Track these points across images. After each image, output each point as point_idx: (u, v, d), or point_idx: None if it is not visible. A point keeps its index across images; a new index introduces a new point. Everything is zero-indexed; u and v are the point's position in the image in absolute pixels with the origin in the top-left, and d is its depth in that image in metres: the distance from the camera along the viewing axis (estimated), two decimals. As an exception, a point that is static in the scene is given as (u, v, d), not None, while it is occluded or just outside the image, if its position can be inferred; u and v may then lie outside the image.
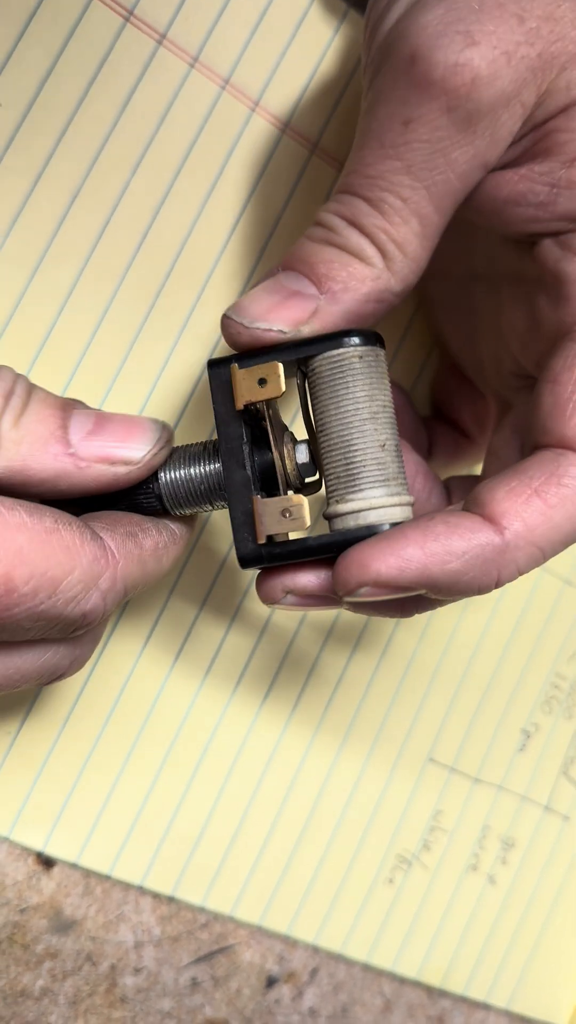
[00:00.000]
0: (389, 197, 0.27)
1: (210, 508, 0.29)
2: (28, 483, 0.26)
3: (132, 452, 0.27)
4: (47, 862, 0.36)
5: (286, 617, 0.39)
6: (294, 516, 0.27)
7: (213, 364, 0.28)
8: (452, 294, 0.31)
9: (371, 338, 0.28)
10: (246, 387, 0.27)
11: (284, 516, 0.27)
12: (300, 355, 0.28)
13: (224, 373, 0.28)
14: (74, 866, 0.36)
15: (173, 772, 0.37)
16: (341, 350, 0.27)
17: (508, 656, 0.43)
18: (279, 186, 0.37)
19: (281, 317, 0.27)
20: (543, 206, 0.28)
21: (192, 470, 0.29)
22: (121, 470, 0.27)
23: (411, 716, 0.41)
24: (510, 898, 0.43)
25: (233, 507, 0.28)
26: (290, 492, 0.29)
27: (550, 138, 0.28)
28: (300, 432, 0.30)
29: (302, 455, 0.29)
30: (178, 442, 0.30)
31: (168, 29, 0.35)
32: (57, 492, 0.27)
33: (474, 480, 0.35)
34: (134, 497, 0.29)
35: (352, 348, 0.27)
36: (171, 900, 0.38)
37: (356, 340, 0.27)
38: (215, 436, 0.29)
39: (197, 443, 0.29)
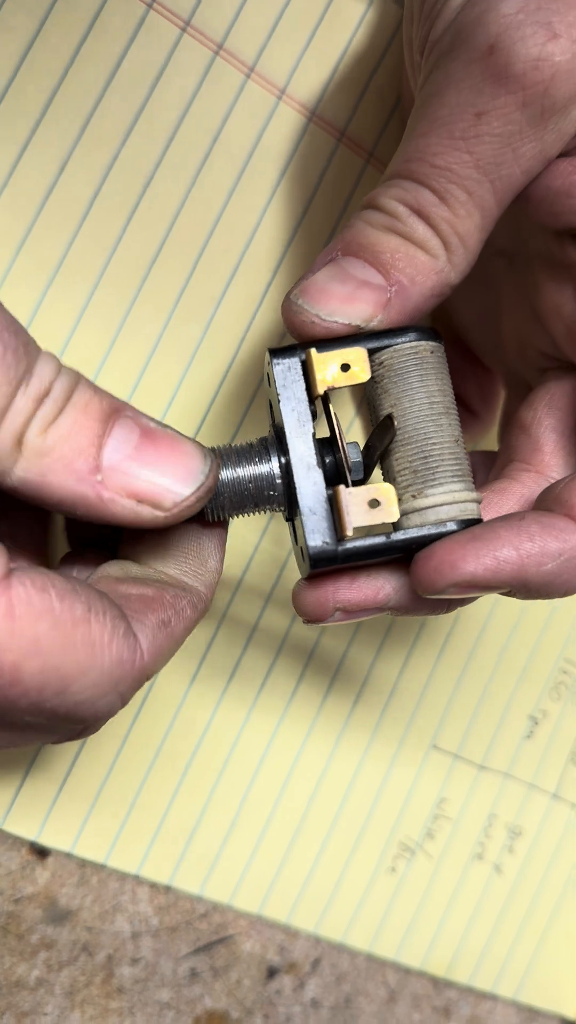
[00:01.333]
0: (455, 189, 0.27)
1: (254, 512, 0.28)
2: (45, 500, 0.24)
3: (164, 498, 0.24)
4: (41, 852, 0.35)
5: (283, 603, 0.38)
6: (383, 506, 0.26)
7: (276, 353, 0.27)
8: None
9: (438, 335, 0.27)
10: (327, 371, 0.26)
11: (371, 507, 0.26)
12: (368, 346, 0.27)
13: (291, 360, 0.27)
14: (68, 856, 0.36)
15: (169, 758, 0.36)
16: (415, 343, 0.27)
17: (515, 640, 0.42)
18: (307, 176, 0.36)
19: (356, 310, 0.27)
20: None
21: (240, 470, 0.27)
22: (146, 513, 0.24)
23: (414, 701, 0.40)
24: (517, 887, 0.42)
25: (305, 501, 0.26)
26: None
27: None
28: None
29: (354, 454, 0.27)
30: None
31: (192, 16, 0.34)
32: (74, 516, 0.24)
33: (491, 456, 0.33)
34: None
35: (425, 342, 0.27)
36: (168, 890, 0.37)
37: (428, 334, 0.27)
38: (256, 437, 0.28)
39: (243, 442, 0.28)
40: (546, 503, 0.27)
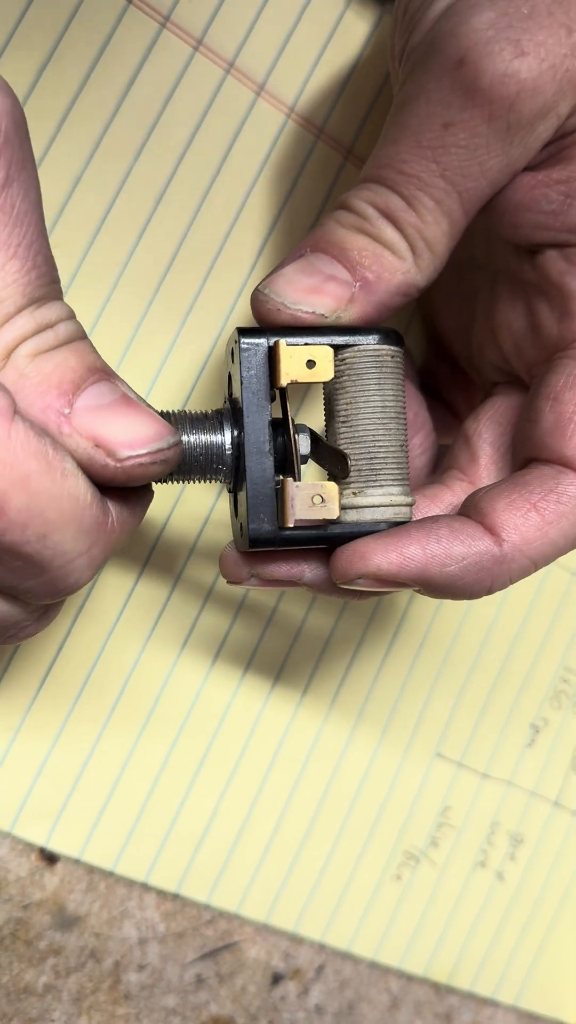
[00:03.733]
0: (423, 196, 0.28)
1: (199, 480, 0.28)
2: None
3: (121, 447, 0.24)
4: (50, 858, 0.36)
5: (290, 614, 0.38)
6: (325, 503, 0.27)
7: (245, 332, 0.27)
8: (451, 279, 0.31)
9: (401, 340, 0.28)
10: (292, 365, 0.27)
11: (314, 503, 0.27)
12: (333, 342, 0.27)
13: (259, 345, 0.27)
14: (77, 862, 0.36)
15: (177, 767, 0.37)
16: (378, 345, 0.28)
17: (516, 649, 0.42)
18: (284, 172, 0.36)
19: (321, 301, 0.27)
20: (554, 215, 0.28)
21: (192, 437, 0.27)
22: (99, 457, 0.24)
23: (418, 711, 0.41)
24: (519, 895, 0.43)
25: (252, 485, 0.27)
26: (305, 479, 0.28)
27: (574, 148, 0.28)
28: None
29: (304, 446, 0.28)
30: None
31: (171, 12, 0.34)
32: None
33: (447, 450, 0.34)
34: None
35: (388, 346, 0.28)
36: (175, 896, 0.37)
37: (392, 338, 0.28)
38: (216, 407, 0.28)
39: (199, 410, 0.28)
40: (466, 509, 0.29)
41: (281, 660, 0.38)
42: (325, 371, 0.27)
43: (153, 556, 0.36)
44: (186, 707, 0.37)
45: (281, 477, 0.27)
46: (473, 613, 0.42)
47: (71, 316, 0.25)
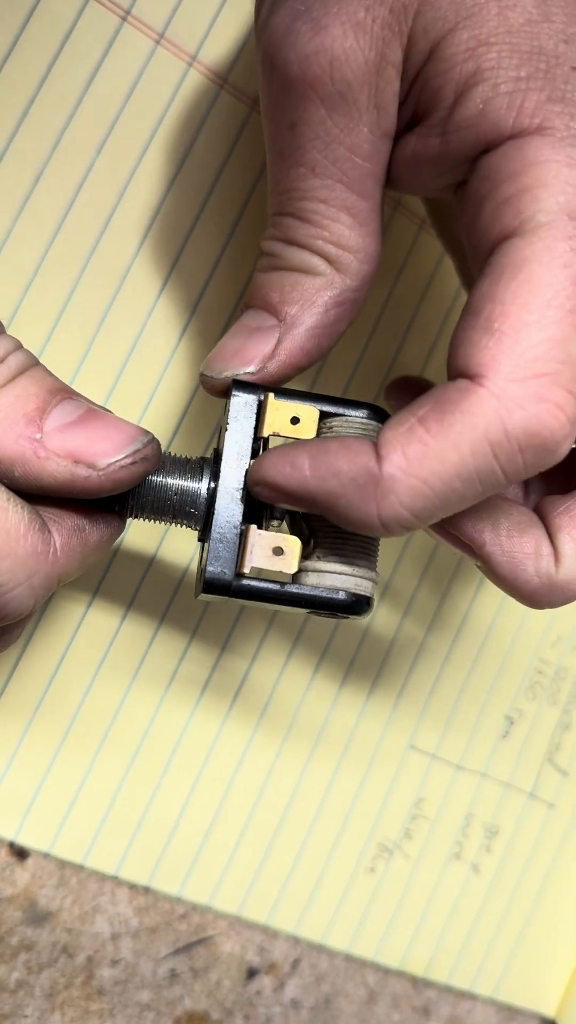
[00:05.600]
0: (309, 204, 0.28)
1: (170, 523, 0.29)
2: None
3: (99, 457, 0.25)
4: (20, 853, 0.36)
5: (258, 615, 0.38)
6: (285, 556, 0.27)
7: (240, 385, 0.28)
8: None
9: (386, 417, 0.28)
10: (277, 418, 0.28)
11: (274, 554, 0.27)
12: (323, 408, 0.28)
13: (250, 397, 0.28)
14: (47, 856, 0.36)
15: (148, 758, 0.37)
16: (366, 421, 0.28)
17: (491, 641, 0.42)
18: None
19: (245, 359, 0.28)
20: (443, 156, 0.27)
21: (170, 479, 0.28)
22: (81, 471, 0.25)
23: (392, 702, 0.41)
24: (495, 887, 0.43)
25: (216, 528, 0.27)
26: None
27: (427, 89, 0.27)
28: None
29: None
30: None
31: (165, 29, 0.34)
32: (12, 479, 0.25)
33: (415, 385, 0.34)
34: None
35: (375, 423, 0.28)
36: (148, 891, 0.37)
37: (381, 416, 0.28)
38: (199, 455, 0.29)
39: (182, 455, 0.29)
40: None
41: (254, 650, 0.38)
42: (308, 429, 0.28)
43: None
44: (157, 697, 0.37)
45: (245, 525, 0.27)
46: (447, 603, 0.42)
47: (19, 346, 0.26)
